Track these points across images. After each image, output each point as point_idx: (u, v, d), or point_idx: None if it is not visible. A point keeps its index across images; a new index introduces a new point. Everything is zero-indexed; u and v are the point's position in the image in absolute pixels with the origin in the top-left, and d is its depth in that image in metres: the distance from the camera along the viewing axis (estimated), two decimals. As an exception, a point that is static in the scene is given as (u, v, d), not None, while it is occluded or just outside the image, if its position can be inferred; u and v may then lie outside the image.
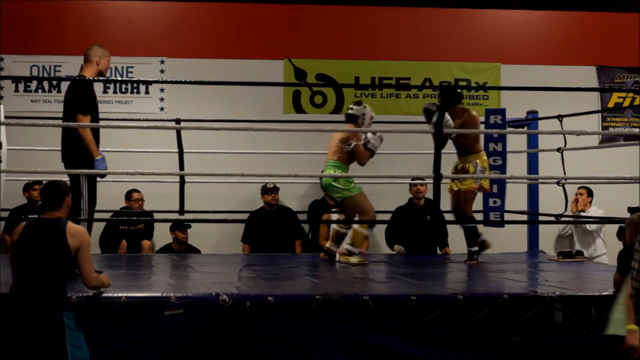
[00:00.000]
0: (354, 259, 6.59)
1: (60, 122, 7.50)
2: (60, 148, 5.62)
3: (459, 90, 6.75)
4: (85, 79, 5.53)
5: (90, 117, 5.49)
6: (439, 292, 4.90)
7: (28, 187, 7.97)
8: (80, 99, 5.48)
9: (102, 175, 5.63)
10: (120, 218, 7.93)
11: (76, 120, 5.42)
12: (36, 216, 7.48)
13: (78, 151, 5.44)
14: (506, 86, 9.21)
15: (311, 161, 8.40)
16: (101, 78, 5.77)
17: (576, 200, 8.36)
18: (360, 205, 6.58)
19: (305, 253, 8.00)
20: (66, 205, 4.21)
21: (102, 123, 7.22)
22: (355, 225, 6.63)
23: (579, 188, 8.37)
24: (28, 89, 8.80)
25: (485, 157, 6.67)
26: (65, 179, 7.38)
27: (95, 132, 5.53)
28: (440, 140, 5.81)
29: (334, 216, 8.00)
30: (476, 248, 6.69)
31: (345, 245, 6.68)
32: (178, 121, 7.24)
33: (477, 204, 6.98)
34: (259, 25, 9.06)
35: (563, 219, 7.04)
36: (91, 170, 5.41)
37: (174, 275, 5.98)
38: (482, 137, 6.91)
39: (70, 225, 4.13)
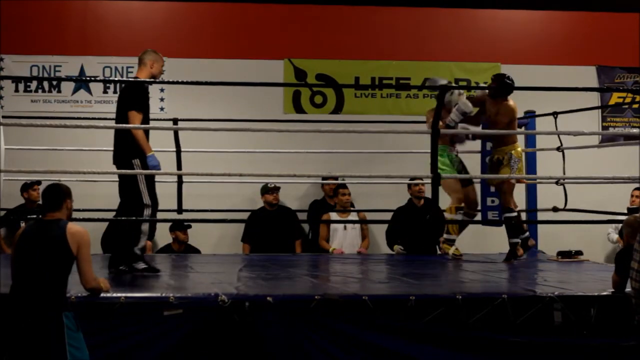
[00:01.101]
0: (451, 250, 6.78)
1: (60, 122, 7.59)
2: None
3: (507, 80, 6.66)
4: (139, 80, 5.72)
5: (142, 115, 5.59)
6: (439, 292, 4.90)
7: (26, 187, 7.97)
8: (134, 96, 5.61)
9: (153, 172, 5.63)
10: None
11: (128, 117, 5.54)
12: (36, 216, 7.51)
13: (131, 150, 5.53)
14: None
15: (311, 161, 8.43)
16: (101, 78, 5.81)
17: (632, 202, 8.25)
18: (445, 188, 6.61)
19: (305, 253, 8.00)
20: (66, 208, 4.23)
21: (101, 123, 7.26)
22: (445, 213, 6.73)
23: (635, 189, 8.25)
24: (28, 89, 8.80)
25: (519, 149, 6.71)
26: (65, 179, 7.41)
27: (146, 131, 5.62)
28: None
29: (334, 216, 8.01)
30: (517, 240, 6.69)
31: (445, 234, 6.85)
32: (176, 121, 7.25)
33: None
34: (259, 25, 9.07)
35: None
36: (132, 171, 5.48)
37: (174, 275, 5.98)
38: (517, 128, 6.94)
39: (71, 225, 4.14)
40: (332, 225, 7.99)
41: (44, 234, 4.09)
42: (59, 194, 4.22)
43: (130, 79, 5.75)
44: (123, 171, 5.62)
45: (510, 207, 6.60)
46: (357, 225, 8.08)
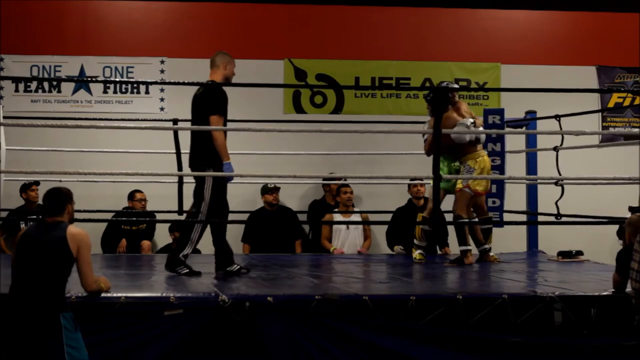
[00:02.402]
0: (415, 254, 6.85)
1: (60, 122, 7.59)
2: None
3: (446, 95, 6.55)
4: (216, 84, 5.64)
5: (223, 118, 5.56)
6: (439, 292, 4.90)
7: (25, 187, 7.96)
8: (215, 100, 5.54)
9: (229, 179, 5.60)
10: (121, 218, 7.93)
11: (209, 121, 5.47)
12: (37, 217, 7.52)
13: (208, 155, 5.49)
14: (506, 87, 9.22)
15: (311, 161, 8.42)
16: (102, 79, 5.79)
17: None
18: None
19: (305, 253, 8.00)
20: (68, 212, 4.25)
21: (101, 123, 7.26)
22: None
23: None
24: (28, 89, 8.80)
25: (480, 159, 6.56)
26: (65, 179, 7.42)
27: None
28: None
29: (337, 216, 8.01)
30: (466, 248, 6.66)
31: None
32: (175, 121, 7.24)
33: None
34: (259, 25, 9.07)
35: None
36: (215, 173, 5.45)
37: (174, 275, 5.98)
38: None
39: (71, 227, 4.17)
40: (335, 225, 8.00)
41: (45, 235, 4.11)
42: (60, 198, 4.23)
43: (206, 83, 5.66)
44: (122, 172, 5.61)
45: (460, 214, 6.54)
46: (360, 226, 8.09)
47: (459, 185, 6.56)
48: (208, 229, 5.81)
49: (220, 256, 5.77)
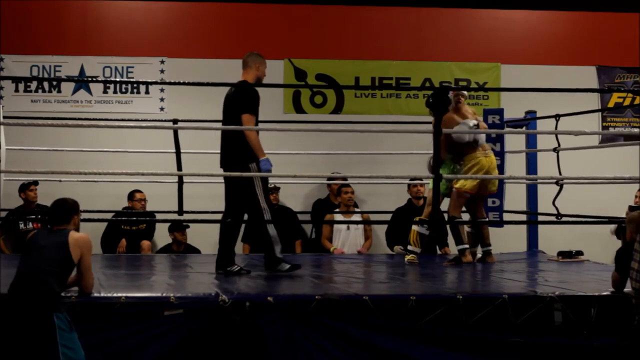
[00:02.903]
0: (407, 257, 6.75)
1: (61, 122, 7.59)
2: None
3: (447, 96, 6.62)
4: (249, 84, 5.72)
5: (255, 117, 5.63)
6: (439, 292, 4.90)
7: (24, 187, 7.95)
8: (248, 100, 5.63)
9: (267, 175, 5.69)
10: (121, 218, 7.93)
11: (241, 120, 5.55)
12: (36, 217, 7.53)
13: (247, 154, 5.56)
14: (506, 87, 9.22)
15: (311, 161, 8.42)
16: (102, 79, 5.79)
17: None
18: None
19: (306, 253, 8.00)
20: (74, 223, 4.34)
21: (101, 123, 7.26)
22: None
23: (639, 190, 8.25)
24: (28, 89, 8.80)
25: (477, 160, 6.53)
26: (66, 179, 7.43)
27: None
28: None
29: (339, 216, 8.01)
30: (464, 246, 6.66)
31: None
32: (175, 121, 7.24)
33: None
34: (259, 25, 9.06)
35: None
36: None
37: (174, 275, 5.99)
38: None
39: (74, 232, 4.25)
40: (335, 225, 7.99)
41: (48, 239, 4.21)
42: (66, 209, 4.34)
43: (238, 83, 5.76)
44: (121, 171, 5.62)
45: (453, 214, 6.58)
46: (361, 226, 8.09)
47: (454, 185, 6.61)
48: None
49: (222, 255, 5.77)
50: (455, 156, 6.65)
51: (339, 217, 8.00)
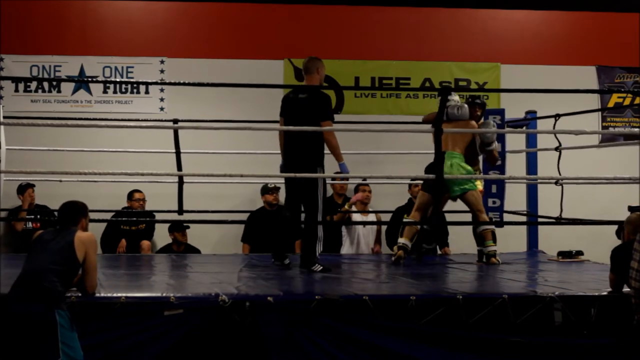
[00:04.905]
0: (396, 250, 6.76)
1: (61, 122, 7.58)
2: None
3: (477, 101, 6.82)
4: (322, 90, 6.05)
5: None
6: (439, 292, 4.90)
7: (22, 189, 7.93)
8: (327, 107, 5.98)
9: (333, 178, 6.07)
10: (121, 218, 7.93)
11: (322, 126, 5.83)
12: (34, 217, 7.53)
13: (316, 158, 5.95)
14: (506, 87, 9.22)
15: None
16: (102, 79, 5.79)
17: None
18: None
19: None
20: (82, 226, 4.36)
21: (101, 123, 7.26)
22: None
23: None
24: (28, 89, 8.80)
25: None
26: (66, 179, 7.43)
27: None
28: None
29: (355, 215, 8.02)
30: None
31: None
32: (176, 121, 7.24)
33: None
34: (259, 25, 9.06)
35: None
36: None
37: (174, 275, 5.99)
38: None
39: (80, 232, 4.27)
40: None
41: (55, 238, 4.23)
42: (75, 211, 4.39)
43: (310, 87, 6.07)
44: (121, 172, 5.63)
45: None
46: (374, 227, 8.12)
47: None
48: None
49: (304, 256, 6.01)
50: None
51: (356, 216, 8.03)
